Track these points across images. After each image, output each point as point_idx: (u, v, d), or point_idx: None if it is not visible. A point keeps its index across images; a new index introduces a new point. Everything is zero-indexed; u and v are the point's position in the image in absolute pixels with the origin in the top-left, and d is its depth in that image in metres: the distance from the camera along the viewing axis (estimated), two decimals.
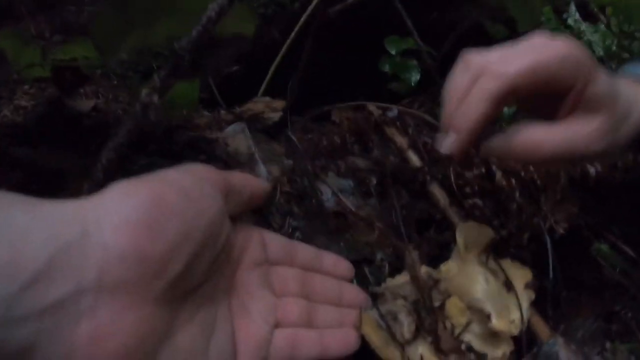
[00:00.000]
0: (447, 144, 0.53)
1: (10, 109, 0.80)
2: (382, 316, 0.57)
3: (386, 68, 1.04)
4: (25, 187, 0.65)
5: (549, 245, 0.83)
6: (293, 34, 0.87)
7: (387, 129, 0.86)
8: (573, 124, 0.54)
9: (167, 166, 0.71)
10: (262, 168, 0.72)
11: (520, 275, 0.67)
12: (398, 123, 0.89)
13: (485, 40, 1.14)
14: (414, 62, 1.04)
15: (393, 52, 1.02)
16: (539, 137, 0.54)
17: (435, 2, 1.13)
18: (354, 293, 0.60)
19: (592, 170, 1.00)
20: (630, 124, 0.59)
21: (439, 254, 0.77)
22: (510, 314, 0.62)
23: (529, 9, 1.05)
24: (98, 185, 0.57)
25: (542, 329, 0.68)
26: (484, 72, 0.52)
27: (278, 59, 0.88)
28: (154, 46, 0.78)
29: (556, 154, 0.53)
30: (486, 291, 0.62)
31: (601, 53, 1.10)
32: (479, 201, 0.89)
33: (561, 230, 0.89)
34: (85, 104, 0.78)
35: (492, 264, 0.67)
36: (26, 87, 0.86)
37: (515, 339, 0.65)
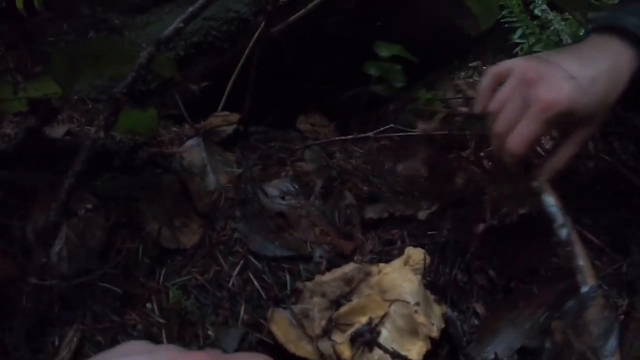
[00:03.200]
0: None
1: None
2: (293, 314, 0.69)
3: (372, 71, 1.18)
4: (4, 202, 0.82)
5: None
6: (247, 50, 1.01)
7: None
8: (565, 143, 0.83)
9: (128, 181, 0.87)
10: (211, 177, 0.86)
11: (438, 307, 0.78)
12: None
13: (458, 37, 1.25)
14: (399, 67, 1.18)
15: (383, 55, 1.14)
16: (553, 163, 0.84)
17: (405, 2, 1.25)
18: None
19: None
20: (621, 86, 0.80)
21: (381, 250, 0.89)
22: (432, 318, 0.74)
23: (487, 6, 1.16)
24: (63, 204, 0.72)
25: (589, 273, 0.76)
26: None
27: (234, 75, 1.02)
28: (102, 83, 0.95)
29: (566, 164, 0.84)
30: (417, 292, 0.73)
31: (569, 40, 1.20)
32: None
33: (515, 219, 1.00)
34: (58, 130, 0.94)
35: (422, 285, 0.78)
36: (12, 116, 1.03)
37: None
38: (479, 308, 0.88)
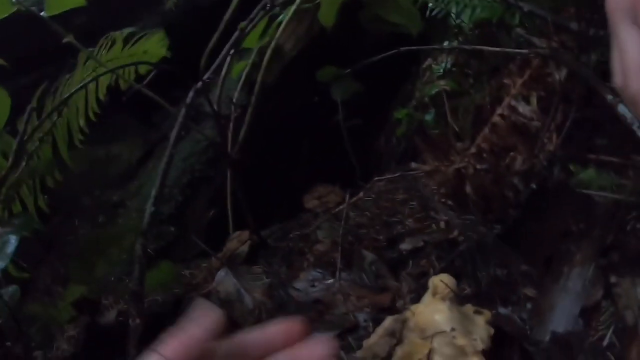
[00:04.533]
0: None
1: (64, 340, 1.11)
2: None
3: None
4: None
5: None
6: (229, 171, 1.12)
7: None
8: None
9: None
10: (247, 298, 0.97)
11: (481, 316, 0.84)
12: None
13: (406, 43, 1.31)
14: None
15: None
16: None
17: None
18: None
19: None
20: None
21: (417, 286, 0.97)
22: (473, 334, 0.80)
23: (407, 15, 1.25)
24: None
25: None
26: None
27: (228, 197, 1.13)
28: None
29: None
30: (450, 319, 0.80)
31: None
32: None
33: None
34: (108, 316, 1.07)
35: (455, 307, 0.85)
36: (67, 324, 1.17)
37: None
38: (529, 292, 0.94)
